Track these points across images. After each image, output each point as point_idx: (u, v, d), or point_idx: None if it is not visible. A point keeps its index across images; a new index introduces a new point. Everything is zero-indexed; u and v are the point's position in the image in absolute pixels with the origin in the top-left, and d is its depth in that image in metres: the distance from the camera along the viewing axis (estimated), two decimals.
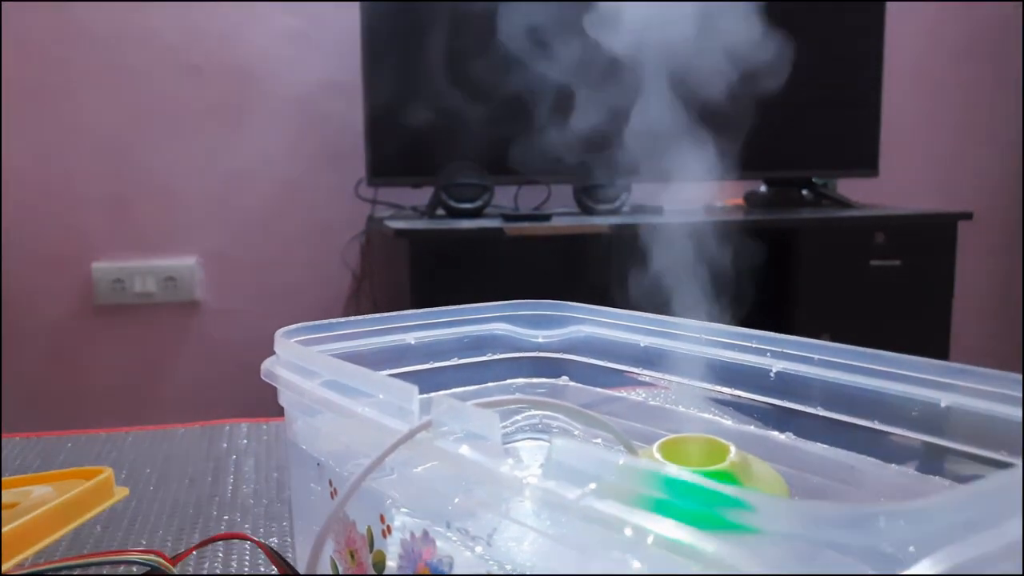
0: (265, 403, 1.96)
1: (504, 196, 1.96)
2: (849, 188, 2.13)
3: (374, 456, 0.31)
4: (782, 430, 0.39)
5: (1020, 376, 0.32)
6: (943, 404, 0.33)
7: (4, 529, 0.37)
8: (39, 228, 1.91)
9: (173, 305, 1.99)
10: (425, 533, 0.31)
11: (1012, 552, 0.19)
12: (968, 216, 1.84)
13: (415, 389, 0.31)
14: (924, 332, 1.83)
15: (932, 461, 0.35)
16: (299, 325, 0.42)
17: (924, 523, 0.19)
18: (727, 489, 0.21)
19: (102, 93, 1.90)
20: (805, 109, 1.94)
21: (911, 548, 0.19)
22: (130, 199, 1.94)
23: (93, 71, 1.89)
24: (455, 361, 0.47)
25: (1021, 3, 2.31)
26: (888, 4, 2.00)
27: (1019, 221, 2.43)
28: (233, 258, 2.00)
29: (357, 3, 1.76)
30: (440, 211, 1.81)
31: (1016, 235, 2.44)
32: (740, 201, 2.07)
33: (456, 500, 0.31)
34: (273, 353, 0.41)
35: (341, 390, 0.35)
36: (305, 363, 0.38)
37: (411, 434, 0.30)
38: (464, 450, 0.28)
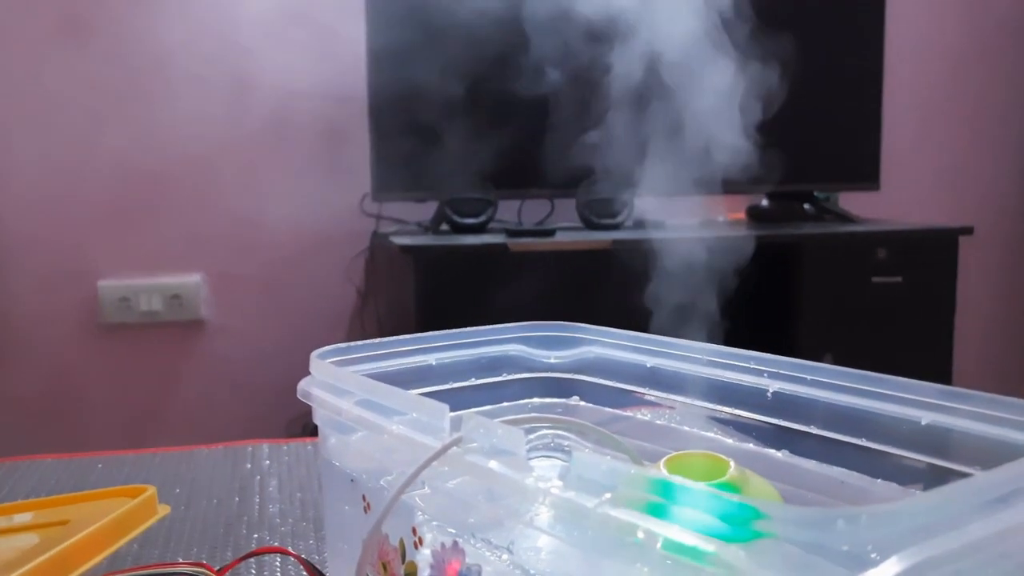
0: (270, 421, 1.97)
1: (507, 211, 1.98)
2: (851, 202, 2.15)
3: (408, 471, 0.34)
4: (778, 448, 0.42)
5: (998, 397, 0.35)
6: (923, 422, 0.37)
7: (63, 546, 0.40)
8: (44, 246, 1.93)
9: (178, 323, 2.00)
10: (455, 543, 0.34)
11: (971, 551, 0.22)
12: (969, 231, 1.85)
13: (446, 408, 0.34)
14: (926, 348, 1.84)
15: (916, 477, 0.38)
16: (331, 347, 0.45)
17: (889, 525, 0.22)
18: (732, 496, 0.25)
19: (107, 109, 1.92)
20: (807, 123, 1.97)
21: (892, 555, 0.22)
22: (135, 217, 1.96)
23: (97, 87, 1.91)
24: (473, 381, 0.50)
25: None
26: (888, 18, 2.02)
27: (1021, 236, 2.44)
28: (238, 276, 2.02)
29: (363, 18, 1.78)
30: (444, 226, 1.84)
31: (1018, 250, 2.44)
32: (742, 215, 2.10)
33: (481, 511, 0.34)
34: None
35: (376, 409, 0.38)
36: (340, 383, 0.41)
37: (444, 449, 0.33)
38: (493, 464, 0.31)
